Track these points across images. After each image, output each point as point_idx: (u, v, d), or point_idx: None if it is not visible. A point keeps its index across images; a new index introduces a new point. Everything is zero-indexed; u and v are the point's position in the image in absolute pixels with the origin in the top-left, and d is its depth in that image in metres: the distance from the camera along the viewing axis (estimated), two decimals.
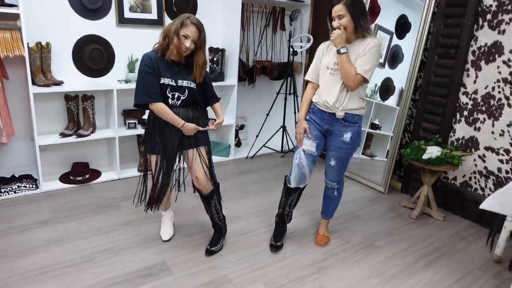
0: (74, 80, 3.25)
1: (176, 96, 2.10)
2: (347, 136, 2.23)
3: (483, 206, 1.74)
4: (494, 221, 2.41)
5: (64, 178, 3.29)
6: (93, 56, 3.28)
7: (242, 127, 4.50)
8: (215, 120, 2.28)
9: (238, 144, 4.45)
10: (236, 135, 4.39)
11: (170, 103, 2.10)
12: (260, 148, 4.27)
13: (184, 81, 2.10)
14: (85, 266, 2.16)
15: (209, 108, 2.34)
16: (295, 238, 2.60)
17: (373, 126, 3.74)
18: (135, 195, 2.32)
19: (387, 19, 3.54)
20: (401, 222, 2.93)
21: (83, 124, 3.29)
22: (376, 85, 3.66)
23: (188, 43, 2.00)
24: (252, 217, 2.85)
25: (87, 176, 3.33)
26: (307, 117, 2.35)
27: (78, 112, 3.28)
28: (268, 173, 3.79)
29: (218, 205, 2.36)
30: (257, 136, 4.27)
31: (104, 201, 2.98)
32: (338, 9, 2.06)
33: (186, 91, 2.11)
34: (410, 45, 3.27)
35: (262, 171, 3.83)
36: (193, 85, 2.12)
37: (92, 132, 3.29)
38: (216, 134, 4.30)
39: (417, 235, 2.74)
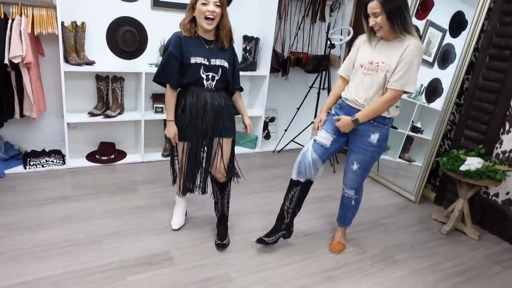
0: (106, 60, 3.29)
1: (210, 76, 2.01)
2: (374, 137, 2.05)
3: None
4: None
5: (90, 156, 3.36)
6: (125, 38, 3.29)
7: (272, 119, 4.38)
8: (244, 123, 2.25)
9: (267, 136, 4.34)
10: (266, 128, 4.27)
11: (205, 85, 2.01)
12: (288, 143, 4.12)
13: (218, 60, 2.02)
14: (91, 247, 2.18)
15: None
16: (308, 242, 2.46)
17: (415, 129, 3.46)
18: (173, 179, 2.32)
19: (441, 14, 3.23)
20: (429, 237, 2.68)
21: (112, 105, 3.33)
22: (422, 85, 3.38)
23: (211, 7, 1.90)
24: (267, 214, 2.74)
25: (112, 156, 3.39)
26: (333, 111, 2.19)
27: (108, 92, 3.33)
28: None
29: (229, 194, 2.31)
30: (285, 130, 4.13)
31: (123, 183, 3.01)
32: (373, 6, 1.87)
33: (220, 70, 2.03)
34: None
35: (287, 167, 3.67)
36: (226, 64, 2.04)
37: (119, 114, 3.33)
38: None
39: (444, 253, 2.49)
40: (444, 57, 3.22)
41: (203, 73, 1.99)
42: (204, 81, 2.00)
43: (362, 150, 2.10)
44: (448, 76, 3.12)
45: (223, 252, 2.26)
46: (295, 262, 2.24)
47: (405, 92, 1.94)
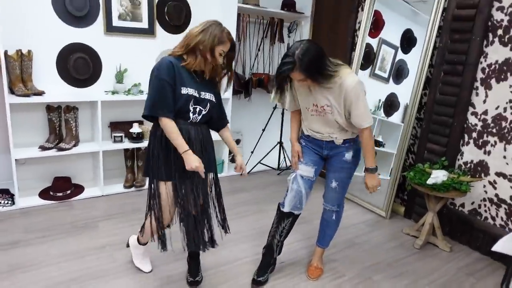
0: (57, 90, 3.08)
1: (197, 110, 1.85)
2: (348, 155, 2.09)
3: (496, 248, 1.51)
4: (509, 261, 2.15)
5: (44, 194, 3.09)
6: (78, 65, 3.10)
7: (237, 141, 4.30)
8: (235, 162, 2.08)
9: (233, 160, 4.24)
10: (231, 151, 4.18)
11: (190, 118, 1.84)
12: (256, 165, 4.05)
13: (207, 93, 1.88)
14: None
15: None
16: (285, 269, 2.36)
17: (377, 143, 3.52)
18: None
19: (391, 33, 3.37)
20: (403, 252, 2.67)
21: (65, 136, 3.10)
22: (380, 100, 3.46)
23: (221, 60, 1.83)
24: (239, 243, 2.62)
25: (69, 192, 3.13)
26: (303, 143, 2.18)
27: (60, 124, 3.10)
28: (262, 192, 3.56)
29: None
30: (252, 152, 4.06)
31: (82, 220, 2.77)
32: (297, 75, 1.82)
33: (208, 105, 1.89)
34: (415, 60, 3.07)
35: (256, 190, 3.60)
36: (213, 98, 1.91)
37: (74, 146, 3.11)
38: None
39: (420, 269, 2.49)
40: (398, 72, 3.34)
41: (191, 106, 1.83)
42: (191, 114, 1.84)
43: (339, 168, 2.12)
44: (403, 90, 3.22)
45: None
46: None
47: (370, 126, 1.98)
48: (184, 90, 1.79)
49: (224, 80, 1.99)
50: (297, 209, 2.19)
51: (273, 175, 4.05)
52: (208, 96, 1.88)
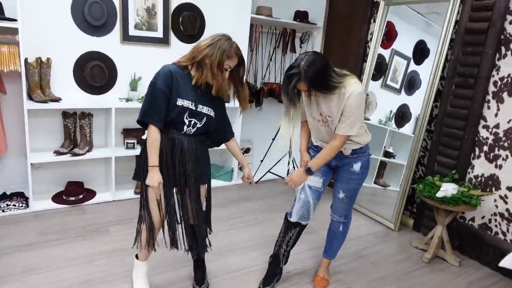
0: (73, 96, 3.16)
1: (192, 123, 1.83)
2: (357, 166, 2.10)
3: (503, 264, 1.50)
4: None
5: (57, 198, 3.16)
6: (94, 73, 3.19)
7: (247, 150, 4.33)
8: (242, 172, 2.10)
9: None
10: None
11: (184, 130, 1.83)
12: (265, 174, 4.07)
13: (205, 107, 1.84)
14: None
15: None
16: (291, 279, 2.37)
17: (387, 154, 3.52)
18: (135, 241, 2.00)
19: (404, 44, 3.38)
20: (412, 266, 2.66)
21: (80, 142, 3.18)
22: (391, 111, 3.46)
23: (227, 75, 1.81)
24: (247, 251, 2.64)
25: (81, 196, 3.20)
26: (312, 153, 2.19)
27: (75, 129, 3.18)
28: (271, 201, 3.58)
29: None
30: (261, 161, 4.09)
31: (93, 225, 2.83)
32: (302, 86, 1.84)
33: (205, 119, 1.85)
34: (427, 71, 3.07)
35: (265, 199, 3.62)
36: (212, 113, 1.88)
37: (88, 151, 3.18)
38: (219, 157, 4.14)
39: (429, 283, 2.46)
40: (410, 83, 3.33)
41: (186, 118, 1.81)
42: (185, 126, 1.83)
43: (347, 179, 2.13)
44: (415, 102, 3.22)
45: None
46: None
47: (348, 136, 1.96)
48: (179, 102, 1.78)
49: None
50: (305, 219, 2.20)
51: (281, 184, 4.06)
52: (205, 110, 1.84)
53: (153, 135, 1.79)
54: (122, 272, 2.28)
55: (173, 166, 1.85)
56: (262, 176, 4.06)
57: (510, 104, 2.59)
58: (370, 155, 2.17)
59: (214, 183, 3.85)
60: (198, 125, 1.85)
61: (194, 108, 1.81)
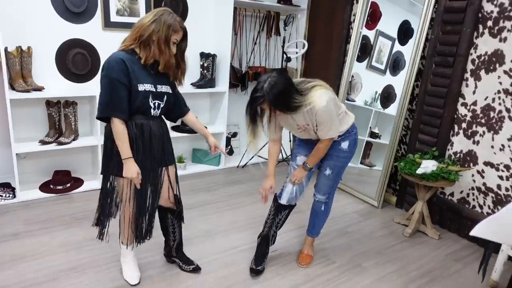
0: (56, 85, 3.15)
1: (157, 104, 1.84)
2: (345, 144, 2.17)
3: (474, 232, 1.56)
4: (487, 246, 2.21)
5: (44, 187, 3.18)
6: (76, 60, 3.17)
7: (235, 134, 4.36)
8: (209, 144, 2.12)
9: (230, 152, 4.31)
10: (228, 143, 4.25)
11: (151, 113, 1.83)
12: (252, 157, 4.12)
13: (163, 86, 1.86)
14: (47, 286, 2.03)
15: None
16: (277, 257, 2.44)
17: (373, 134, 3.58)
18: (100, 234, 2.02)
19: (389, 24, 3.39)
20: (393, 241, 2.75)
21: (65, 131, 3.18)
22: (376, 92, 3.50)
23: (175, 50, 1.80)
24: (234, 232, 2.70)
25: (68, 185, 3.22)
26: (298, 142, 2.27)
27: (60, 118, 3.17)
28: (257, 184, 3.63)
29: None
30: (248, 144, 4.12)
31: (81, 212, 2.86)
32: (266, 107, 1.89)
33: (165, 97, 1.86)
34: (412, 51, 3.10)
35: (252, 182, 3.68)
36: (170, 90, 1.90)
37: (74, 140, 3.18)
38: (206, 142, 4.16)
39: (409, 256, 2.56)
40: (395, 64, 3.37)
41: (151, 102, 1.80)
42: (152, 110, 1.82)
43: (335, 156, 2.19)
44: (399, 82, 3.26)
45: (192, 276, 2.19)
46: (266, 279, 2.22)
47: (332, 138, 2.07)
48: (141, 87, 1.75)
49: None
50: (294, 200, 2.26)
51: None
52: (164, 88, 1.86)
53: (119, 127, 1.74)
54: (110, 257, 2.33)
55: (144, 152, 1.84)
56: (249, 160, 4.11)
57: (487, 81, 2.65)
58: (357, 134, 2.23)
59: (202, 168, 3.90)
60: (162, 105, 1.86)
61: (155, 90, 1.81)
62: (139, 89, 1.75)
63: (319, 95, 1.93)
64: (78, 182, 3.31)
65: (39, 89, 2.98)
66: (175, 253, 2.25)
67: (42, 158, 3.25)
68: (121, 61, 1.71)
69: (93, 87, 3.27)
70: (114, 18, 3.30)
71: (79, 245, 2.43)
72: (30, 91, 2.90)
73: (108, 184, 1.92)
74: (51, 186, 3.16)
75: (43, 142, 3.04)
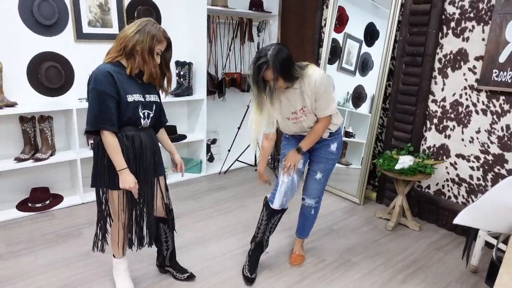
0: (30, 100, 3.05)
1: (146, 114, 1.84)
2: (333, 146, 2.22)
3: (457, 220, 1.68)
4: (469, 233, 2.36)
5: (21, 206, 3.06)
6: (49, 74, 3.09)
7: (214, 141, 4.38)
8: (175, 162, 2.11)
9: (211, 159, 4.32)
10: (208, 150, 4.26)
11: (142, 124, 1.82)
12: (233, 163, 4.15)
13: (151, 96, 1.86)
14: None
15: None
16: (269, 259, 2.48)
17: (347, 134, 3.70)
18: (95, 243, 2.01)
19: (355, 27, 3.53)
20: (377, 235, 2.86)
21: (41, 146, 3.09)
22: (348, 93, 3.63)
23: (159, 60, 1.81)
24: (225, 238, 2.72)
25: (47, 202, 3.12)
26: (286, 140, 2.30)
27: (35, 134, 3.08)
28: (242, 188, 3.67)
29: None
30: (229, 150, 4.15)
31: (65, 229, 2.78)
32: (269, 74, 1.91)
33: (154, 106, 1.86)
34: (379, 52, 3.26)
35: (236, 187, 3.71)
36: (158, 99, 1.91)
37: (51, 155, 3.10)
38: (187, 150, 4.16)
39: (393, 248, 2.68)
40: (364, 65, 3.52)
41: (141, 112, 1.80)
42: (142, 120, 1.82)
43: (324, 159, 2.23)
44: (369, 82, 3.41)
45: (187, 285, 2.19)
46: (260, 282, 2.25)
47: (331, 116, 2.11)
48: (130, 98, 1.75)
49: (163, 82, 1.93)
50: (286, 204, 2.23)
51: (250, 171, 4.16)
52: (153, 98, 1.86)
53: (110, 140, 1.73)
54: (102, 272, 2.28)
55: (136, 163, 1.83)
56: (231, 165, 4.14)
57: (454, 78, 2.83)
58: (342, 136, 2.30)
59: (184, 176, 3.87)
60: (151, 115, 1.86)
61: (144, 100, 1.81)
62: (128, 100, 1.75)
63: (315, 69, 2.02)
64: (58, 198, 3.22)
65: (12, 105, 2.88)
66: (168, 262, 2.24)
67: (18, 176, 3.14)
68: (107, 74, 1.70)
69: (68, 101, 3.19)
70: (86, 29, 3.25)
71: (67, 262, 2.37)
72: (2, 108, 2.80)
73: (100, 197, 1.90)
74: (29, 204, 3.05)
75: (18, 160, 2.94)
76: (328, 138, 2.21)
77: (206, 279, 2.25)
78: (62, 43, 3.14)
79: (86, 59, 3.26)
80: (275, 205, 2.20)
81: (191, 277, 2.22)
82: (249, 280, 2.23)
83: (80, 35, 3.21)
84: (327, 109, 2.06)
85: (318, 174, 2.26)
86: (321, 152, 2.23)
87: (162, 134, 2.09)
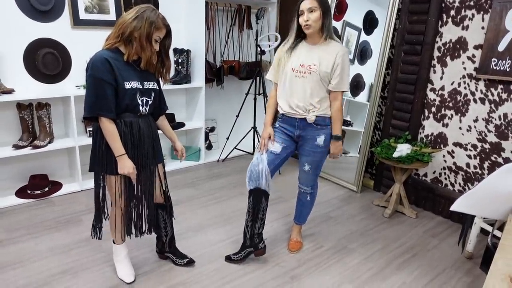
0: (27, 87, 3.03)
1: (145, 101, 1.83)
2: (320, 140, 2.19)
3: (453, 207, 1.70)
4: (464, 220, 2.40)
5: (20, 193, 3.07)
6: (46, 61, 3.06)
7: (212, 129, 4.38)
8: (176, 149, 2.12)
9: (209, 147, 4.33)
10: (207, 138, 4.26)
11: (140, 110, 1.82)
12: (232, 151, 4.16)
13: (150, 83, 1.86)
14: None
15: None
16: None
17: (345, 122, 3.71)
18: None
19: (354, 15, 3.52)
20: (374, 222, 2.90)
21: (39, 134, 3.08)
22: None
23: (157, 47, 1.80)
24: (223, 224, 2.75)
25: (47, 189, 3.13)
26: (277, 124, 2.27)
27: (33, 121, 3.07)
28: (240, 176, 3.69)
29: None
30: (227, 138, 4.16)
31: (64, 216, 2.80)
32: (309, 2, 1.97)
33: (153, 93, 1.86)
34: (378, 41, 3.25)
35: (233, 175, 3.72)
36: (156, 86, 1.90)
37: (49, 142, 3.09)
38: (186, 138, 4.16)
39: (390, 235, 2.71)
40: (362, 53, 3.51)
41: (139, 99, 1.80)
42: (140, 107, 1.82)
43: (311, 152, 2.22)
44: (367, 71, 3.40)
45: (185, 270, 2.22)
46: (258, 268, 2.28)
47: (343, 92, 2.16)
48: (128, 85, 1.75)
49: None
50: (259, 183, 2.15)
51: (248, 159, 4.16)
52: (151, 85, 1.86)
53: (108, 126, 1.73)
54: (101, 258, 2.31)
55: (134, 150, 1.84)
56: (229, 153, 4.15)
57: (452, 67, 2.83)
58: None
59: (182, 164, 3.90)
60: (150, 102, 1.86)
61: (142, 87, 1.81)
62: (126, 87, 1.75)
63: (342, 45, 2.11)
64: (57, 185, 3.23)
65: (9, 91, 2.86)
66: (168, 248, 2.26)
67: (17, 163, 3.14)
68: (104, 61, 1.70)
69: (66, 88, 3.17)
70: (83, 15, 3.21)
71: (67, 248, 2.39)
72: None
73: (99, 183, 1.91)
74: (28, 191, 3.06)
75: (16, 147, 2.93)
76: (315, 125, 2.15)
77: (204, 265, 2.28)
78: (59, 29, 3.10)
79: (83, 45, 3.23)
80: (249, 184, 2.20)
81: (190, 262, 2.25)
82: (227, 258, 2.31)
83: (77, 21, 3.18)
84: (341, 82, 2.10)
85: (306, 166, 2.27)
86: (307, 146, 2.21)
87: (163, 121, 2.09)
